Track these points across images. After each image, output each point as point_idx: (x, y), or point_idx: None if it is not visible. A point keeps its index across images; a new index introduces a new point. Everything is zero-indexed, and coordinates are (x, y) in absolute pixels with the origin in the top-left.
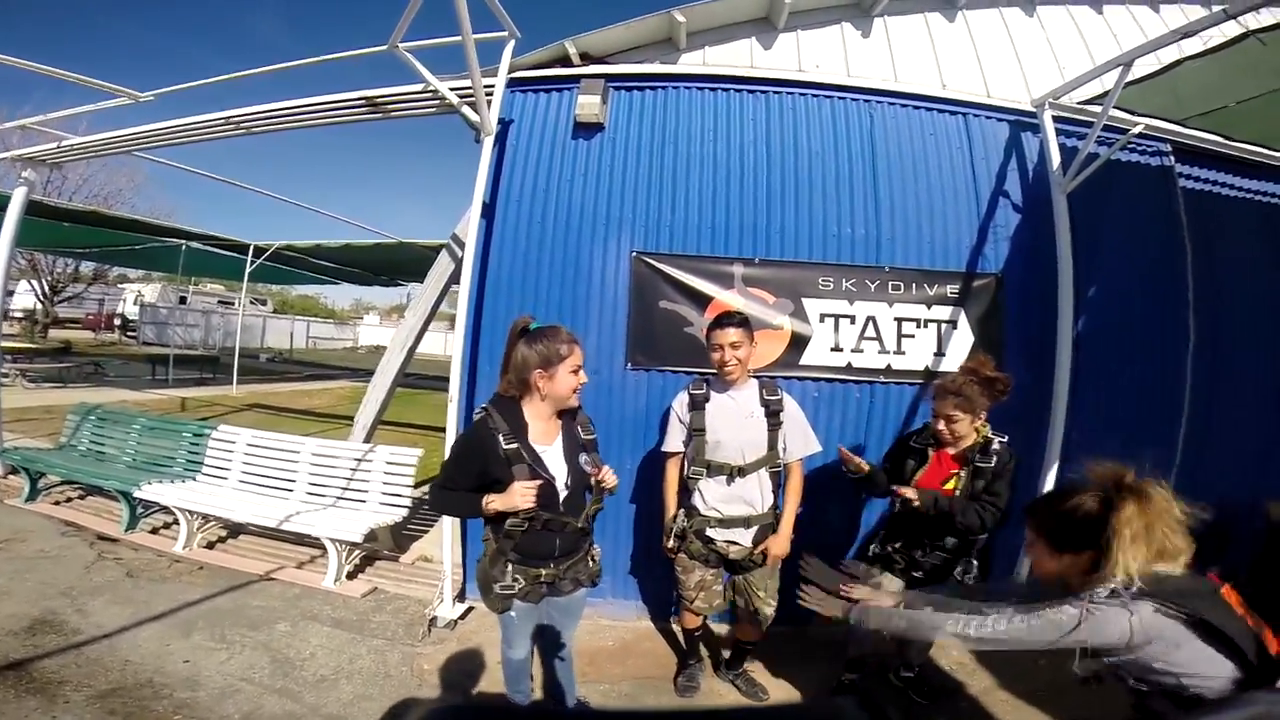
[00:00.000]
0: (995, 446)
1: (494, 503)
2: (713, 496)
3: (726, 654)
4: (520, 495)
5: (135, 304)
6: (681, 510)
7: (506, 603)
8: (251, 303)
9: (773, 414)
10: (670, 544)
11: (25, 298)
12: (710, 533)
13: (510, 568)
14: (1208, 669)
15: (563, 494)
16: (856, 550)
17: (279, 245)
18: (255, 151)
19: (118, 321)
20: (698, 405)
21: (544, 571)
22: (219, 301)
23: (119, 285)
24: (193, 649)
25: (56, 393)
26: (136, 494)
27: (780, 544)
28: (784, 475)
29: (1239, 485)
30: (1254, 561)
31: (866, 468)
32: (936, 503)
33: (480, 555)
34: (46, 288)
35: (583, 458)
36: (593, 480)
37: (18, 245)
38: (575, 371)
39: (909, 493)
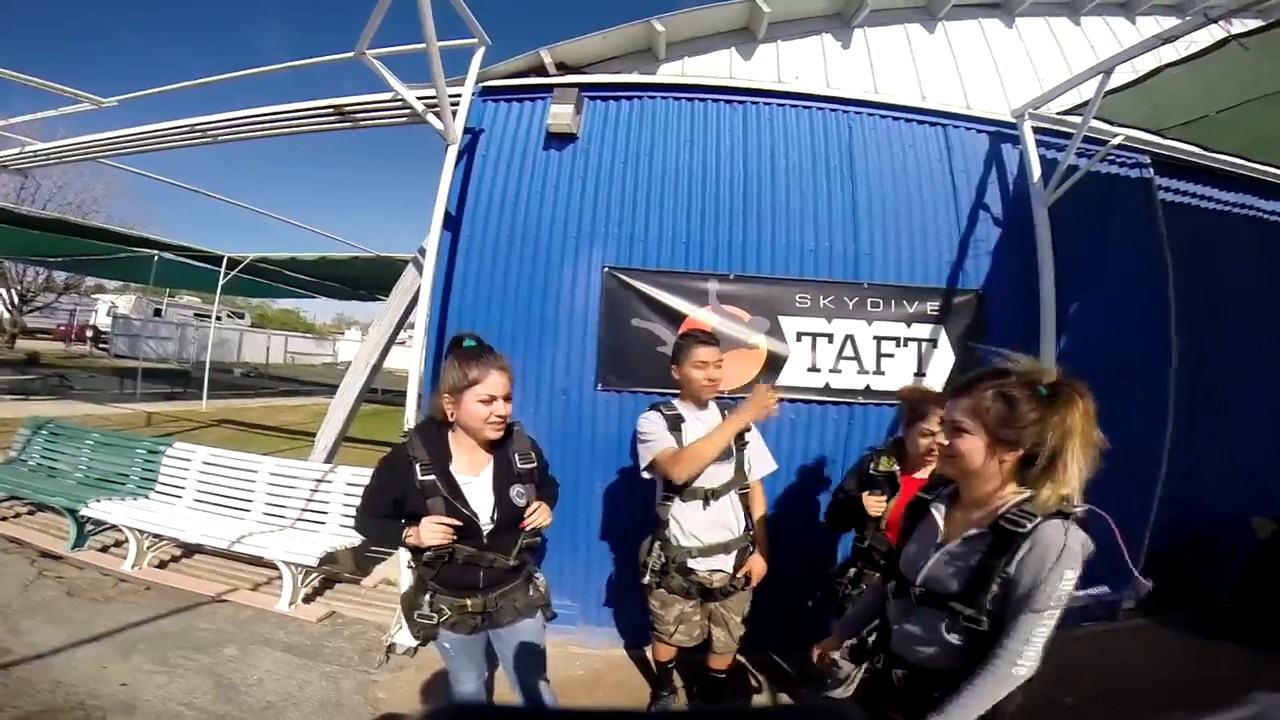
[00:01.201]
0: None
1: (410, 537)
2: (691, 524)
3: (696, 685)
4: (428, 532)
5: (108, 315)
6: (656, 543)
7: (429, 631)
8: (229, 316)
9: (739, 434)
10: (646, 580)
11: None
12: (691, 564)
13: (430, 596)
14: None
15: (487, 528)
16: (824, 589)
17: (254, 257)
18: (235, 163)
19: (89, 333)
20: (675, 426)
21: (470, 601)
22: (195, 314)
23: (92, 296)
24: (131, 671)
25: (17, 405)
26: (83, 511)
27: (761, 565)
28: (750, 497)
29: (1224, 503)
30: (1239, 578)
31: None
32: None
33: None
34: (15, 297)
35: (514, 490)
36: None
37: None
38: (487, 401)
39: None
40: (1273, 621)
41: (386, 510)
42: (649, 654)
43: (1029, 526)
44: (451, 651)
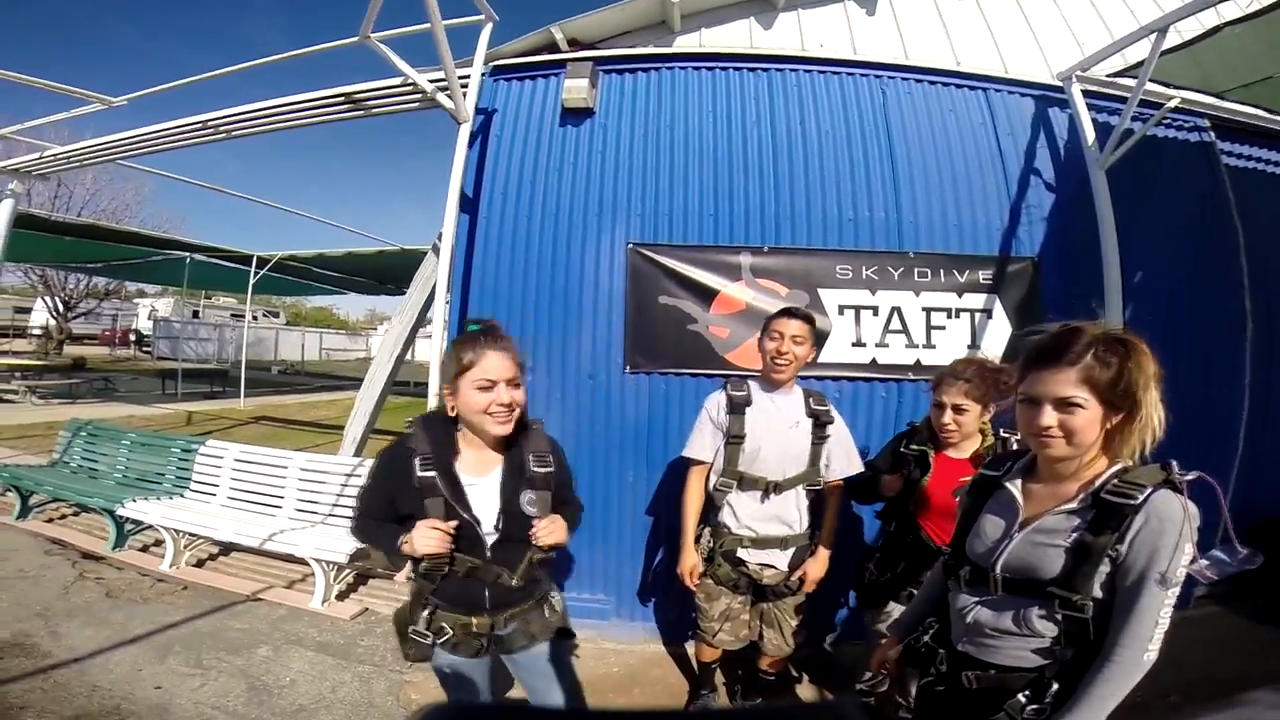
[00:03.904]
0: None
1: (406, 544)
2: (746, 514)
3: (739, 675)
4: (421, 538)
5: (149, 319)
6: (707, 529)
7: (423, 650)
8: (264, 315)
9: (820, 425)
10: (695, 568)
11: (42, 315)
12: (741, 554)
13: (430, 613)
14: None
15: (490, 538)
16: (855, 578)
17: (282, 256)
18: (262, 163)
19: (133, 337)
20: (737, 408)
21: (475, 621)
22: (232, 315)
23: (134, 301)
24: (166, 674)
25: (64, 409)
26: (120, 511)
27: (820, 568)
28: (823, 495)
29: None
30: None
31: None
32: None
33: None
34: (60, 304)
35: (525, 497)
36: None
37: (16, 260)
38: (485, 387)
39: None
40: None
41: (384, 512)
42: (690, 651)
43: (1140, 498)
44: (451, 676)
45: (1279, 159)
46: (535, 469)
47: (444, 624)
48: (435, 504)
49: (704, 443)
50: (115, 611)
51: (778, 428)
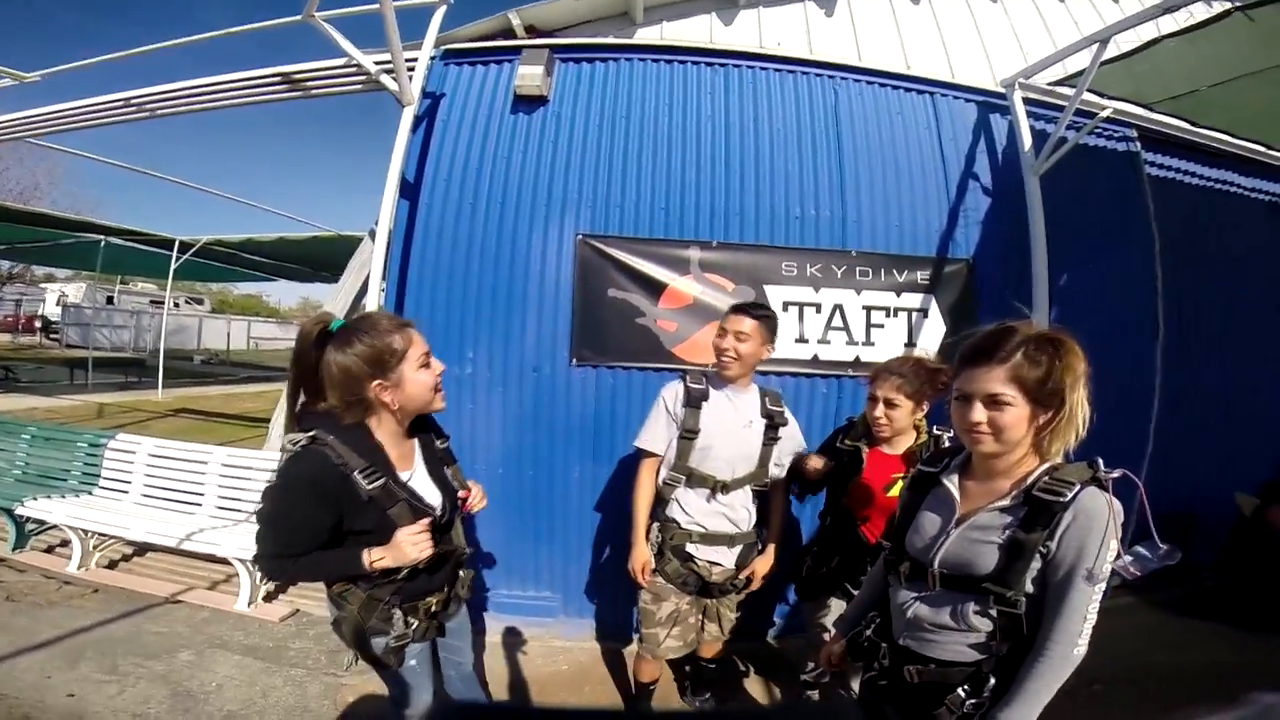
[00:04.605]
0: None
1: (383, 560)
2: (694, 509)
3: (686, 672)
4: (413, 546)
5: (58, 304)
6: (655, 524)
7: (400, 654)
8: (187, 302)
9: (773, 426)
10: (647, 564)
11: None
12: (690, 549)
13: (398, 613)
14: None
15: (443, 521)
16: (793, 567)
17: (207, 240)
18: (189, 142)
19: (39, 323)
20: (694, 401)
21: (434, 599)
22: (151, 301)
23: (41, 285)
24: (78, 681)
25: None
26: (20, 511)
27: (768, 564)
28: (770, 493)
29: (1207, 478)
30: (1221, 552)
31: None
32: None
33: (341, 610)
34: None
35: (448, 472)
36: (462, 503)
37: None
38: (427, 364)
39: None
40: (1256, 600)
41: (322, 541)
42: (629, 663)
43: (1069, 496)
44: (418, 665)
45: (1195, 170)
46: (440, 445)
47: (410, 618)
48: (401, 510)
49: (658, 435)
50: (17, 616)
51: (731, 426)
